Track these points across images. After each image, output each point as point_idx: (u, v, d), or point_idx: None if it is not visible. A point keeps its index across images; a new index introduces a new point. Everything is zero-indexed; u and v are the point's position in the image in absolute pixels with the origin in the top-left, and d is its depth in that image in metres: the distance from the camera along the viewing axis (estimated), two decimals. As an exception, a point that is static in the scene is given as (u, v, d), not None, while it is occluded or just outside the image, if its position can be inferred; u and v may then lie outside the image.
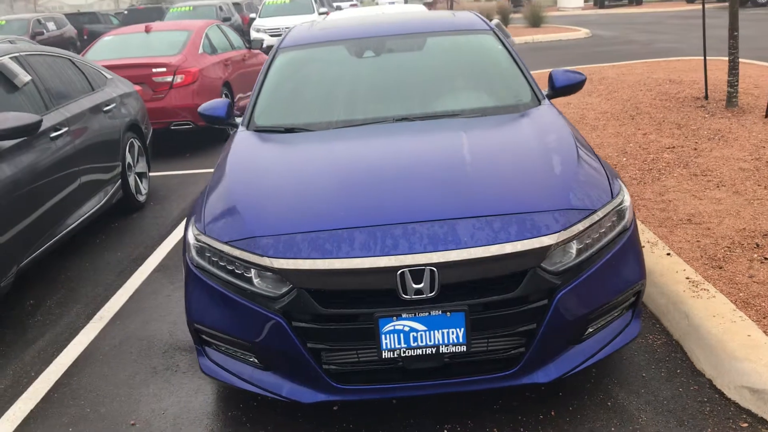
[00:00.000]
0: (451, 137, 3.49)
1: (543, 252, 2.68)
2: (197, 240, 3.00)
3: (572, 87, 4.14)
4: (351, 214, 2.83)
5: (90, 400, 3.41)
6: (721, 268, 3.84)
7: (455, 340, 2.68)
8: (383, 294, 2.67)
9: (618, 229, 2.91)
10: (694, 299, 3.49)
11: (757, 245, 4.07)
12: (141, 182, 6.70)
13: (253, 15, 21.86)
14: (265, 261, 2.73)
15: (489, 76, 4.20)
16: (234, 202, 3.05)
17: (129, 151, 6.39)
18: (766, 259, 3.89)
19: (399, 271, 2.63)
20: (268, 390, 2.87)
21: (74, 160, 5.22)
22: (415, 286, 2.63)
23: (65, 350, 3.94)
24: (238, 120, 4.20)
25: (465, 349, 2.69)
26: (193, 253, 3.02)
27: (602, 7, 35.02)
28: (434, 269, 2.62)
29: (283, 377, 2.85)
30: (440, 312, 2.65)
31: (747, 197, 4.87)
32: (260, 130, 3.92)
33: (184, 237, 3.17)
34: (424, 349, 2.69)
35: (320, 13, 21.15)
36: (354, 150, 3.46)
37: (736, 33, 7.55)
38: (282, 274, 2.71)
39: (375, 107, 3.95)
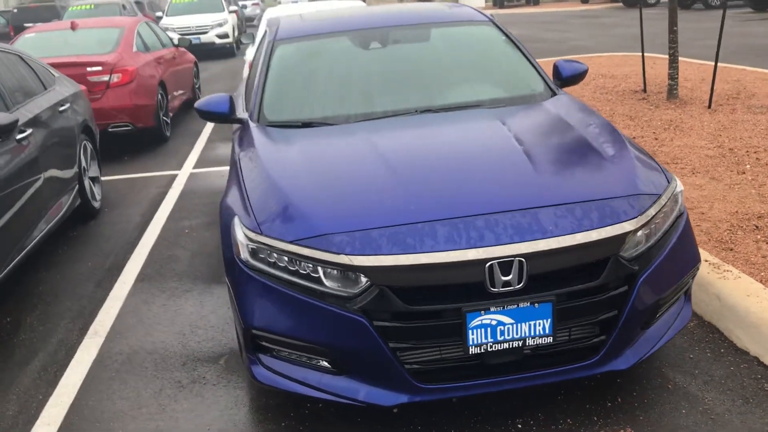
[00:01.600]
0: (490, 127, 3.43)
1: (624, 238, 2.67)
2: (252, 241, 2.81)
3: (577, 77, 4.17)
4: (423, 207, 2.72)
5: (119, 421, 3.14)
6: (732, 250, 3.97)
7: (542, 332, 2.63)
8: (469, 288, 2.58)
9: (675, 213, 2.94)
10: (722, 280, 3.58)
11: (756, 227, 4.24)
12: (94, 187, 6.28)
13: (159, 14, 21.06)
14: (343, 259, 2.58)
15: (499, 66, 4.18)
16: (289, 200, 2.87)
17: (83, 154, 5.98)
18: (770, 239, 4.05)
19: (488, 264, 2.55)
20: (342, 395, 2.72)
21: (39, 164, 4.83)
22: (503, 278, 2.56)
23: (68, 369, 3.62)
24: (242, 116, 3.99)
25: (551, 341, 2.64)
26: (247, 255, 2.82)
27: (501, 7, 35.95)
28: (522, 260, 2.56)
29: (359, 380, 2.70)
30: (528, 304, 2.58)
31: (726, 183, 5.08)
32: (274, 125, 3.73)
33: (231, 238, 2.95)
34: (510, 343, 2.62)
35: (230, 12, 20.64)
36: (396, 142, 3.34)
37: (675, 28, 7.88)
38: (362, 272, 2.57)
39: (391, 99, 3.84)
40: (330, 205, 2.81)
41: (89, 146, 6.22)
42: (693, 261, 2.97)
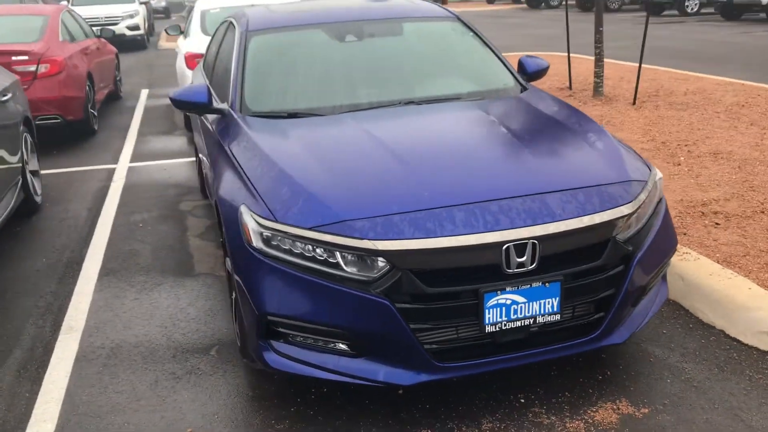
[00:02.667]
0: (479, 118, 3.58)
1: (622, 221, 2.88)
2: (266, 228, 2.84)
3: (541, 72, 4.39)
4: (437, 193, 2.83)
5: (120, 414, 3.09)
6: (685, 234, 4.28)
7: (550, 310, 2.79)
8: (486, 269, 2.72)
9: (656, 198, 3.18)
10: (683, 262, 3.88)
11: (702, 213, 4.59)
12: (35, 181, 6.04)
13: (64, 1, 20.17)
14: (366, 244, 2.66)
15: (470, 60, 4.34)
16: (302, 188, 2.91)
17: (24, 147, 5.74)
18: (717, 224, 4.40)
19: (505, 246, 2.69)
20: (361, 377, 2.80)
21: (-9, 157, 4.63)
22: (518, 259, 2.71)
23: (50, 366, 3.51)
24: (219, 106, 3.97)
25: (559, 318, 2.82)
26: (260, 242, 2.85)
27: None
28: (536, 242, 2.72)
29: (377, 362, 2.79)
30: (540, 283, 2.75)
31: (665, 173, 5.44)
32: (258, 116, 3.75)
33: (240, 226, 2.96)
34: (522, 321, 2.78)
35: (142, 2, 20.03)
36: (394, 131, 3.43)
37: (601, 29, 8.31)
38: (385, 256, 2.66)
39: (372, 91, 3.92)
40: (345, 192, 2.87)
41: (29, 138, 5.97)
42: (673, 243, 3.22)
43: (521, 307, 2.76)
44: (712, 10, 21.23)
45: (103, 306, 4.15)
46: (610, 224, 2.85)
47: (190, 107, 3.99)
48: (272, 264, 2.82)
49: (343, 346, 2.82)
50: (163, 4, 34.19)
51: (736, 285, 3.59)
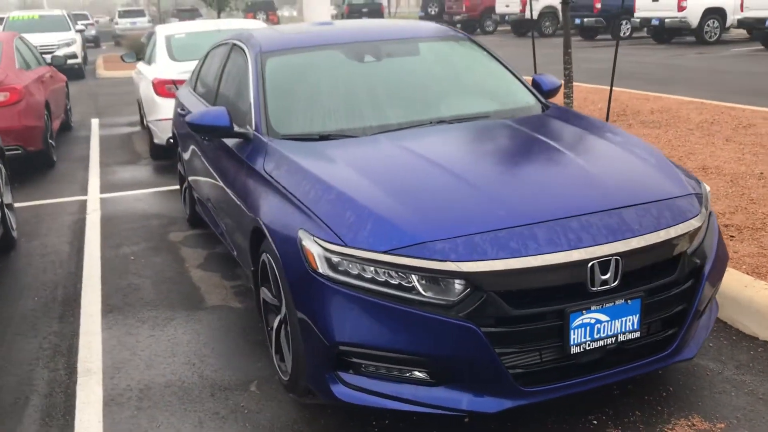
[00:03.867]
0: (521, 135, 3.53)
1: (695, 234, 2.86)
2: (334, 253, 2.70)
3: (554, 91, 4.38)
4: (512, 211, 2.75)
5: (172, 460, 2.87)
6: (705, 247, 4.32)
7: (631, 327, 2.74)
8: (570, 288, 2.65)
9: (708, 211, 3.19)
10: (714, 275, 3.90)
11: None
12: (10, 215, 5.68)
13: (-5, 31, 19.38)
14: (449, 266, 2.55)
15: (488, 79, 4.30)
16: (367, 210, 2.78)
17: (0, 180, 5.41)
18: (732, 237, 4.46)
19: (590, 264, 2.62)
20: (442, 406, 2.67)
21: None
22: (602, 277, 2.65)
23: (78, 412, 3.25)
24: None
25: (638, 335, 2.76)
26: (327, 268, 2.71)
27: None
28: (618, 258, 2.66)
29: (459, 390, 2.66)
30: (623, 301, 2.69)
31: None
32: (289, 139, 3.60)
33: (302, 252, 2.80)
34: (605, 340, 2.71)
35: (77, 30, 19.44)
36: (442, 150, 3.35)
37: (569, 50, 8.46)
38: (468, 278, 2.55)
39: (398, 111, 3.83)
40: (415, 214, 2.76)
41: (3, 170, 5.62)
42: (727, 255, 3.23)
43: (604, 326, 2.69)
44: (643, 33, 22.05)
45: (116, 345, 3.88)
46: (683, 238, 2.83)
47: (209, 131, 3.82)
48: (343, 290, 2.68)
49: (420, 375, 2.69)
50: (93, 33, 33.34)
51: (774, 295, 3.62)
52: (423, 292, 2.60)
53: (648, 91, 10.63)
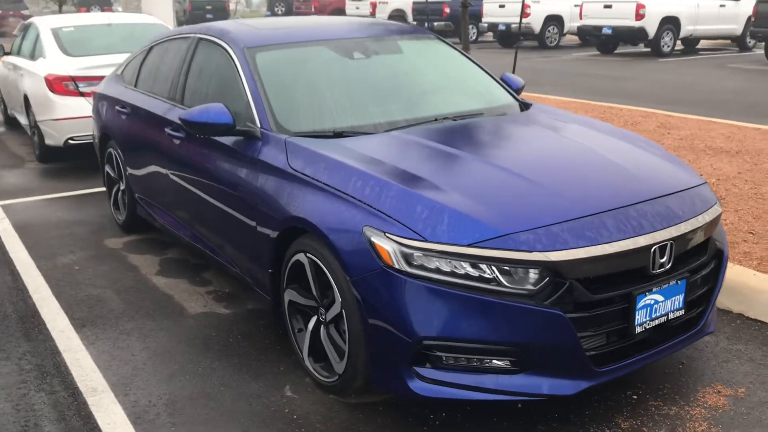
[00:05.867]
0: (537, 131, 3.69)
1: (718, 219, 3.16)
2: (414, 249, 2.70)
3: (521, 89, 4.61)
4: (574, 202, 2.89)
5: (242, 473, 2.73)
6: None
7: (678, 306, 2.98)
8: (634, 272, 2.83)
9: None
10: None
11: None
12: None
13: None
14: (537, 256, 2.65)
15: (469, 77, 4.42)
16: (438, 205, 2.80)
17: None
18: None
19: (653, 248, 2.82)
20: (524, 393, 2.76)
21: None
22: (660, 260, 2.86)
23: (107, 433, 3.00)
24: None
25: (683, 314, 3.01)
26: (403, 263, 2.71)
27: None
28: (673, 242, 2.89)
29: (539, 375, 2.76)
30: (675, 281, 2.92)
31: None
32: (301, 136, 3.52)
33: (374, 248, 2.77)
34: (659, 319, 2.93)
35: None
36: (475, 146, 3.41)
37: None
38: (554, 267, 2.66)
39: (401, 109, 3.86)
40: (487, 207, 2.82)
41: None
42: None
43: (660, 306, 2.91)
44: (490, 38, 23.25)
45: (111, 360, 3.60)
46: (713, 222, 3.11)
47: (208, 129, 3.63)
48: (426, 285, 2.69)
49: (500, 363, 2.76)
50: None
51: (742, 273, 4.05)
52: (505, 283, 2.68)
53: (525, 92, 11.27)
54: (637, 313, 2.83)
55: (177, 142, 4.27)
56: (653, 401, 3.14)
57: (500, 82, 4.46)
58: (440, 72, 4.39)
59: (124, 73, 5.46)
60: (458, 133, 3.63)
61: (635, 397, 3.18)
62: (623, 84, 12.78)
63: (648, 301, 2.85)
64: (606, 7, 17.77)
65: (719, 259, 3.20)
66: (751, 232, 4.65)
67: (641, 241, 2.80)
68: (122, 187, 5.37)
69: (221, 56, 4.11)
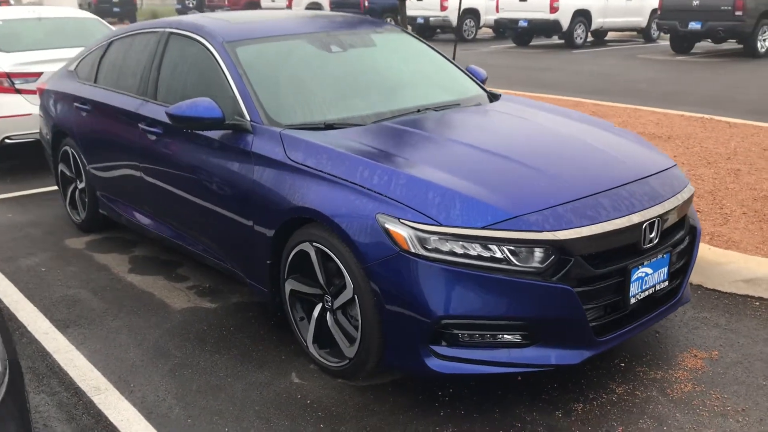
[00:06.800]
0: (518, 120, 3.87)
1: (692, 197, 3.43)
2: (429, 233, 2.84)
3: (485, 81, 4.81)
4: (573, 184, 3.09)
5: (271, 458, 2.80)
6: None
7: (662, 278, 3.24)
8: (628, 248, 3.06)
9: None
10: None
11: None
12: None
13: None
14: (546, 235, 2.83)
15: (440, 69, 4.57)
16: (447, 190, 2.94)
17: None
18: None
19: (644, 225, 3.06)
20: (534, 364, 2.94)
21: None
22: (649, 236, 3.10)
23: (123, 430, 2.99)
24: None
25: (667, 285, 3.27)
26: (419, 247, 2.84)
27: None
28: (659, 219, 3.13)
29: (548, 347, 2.94)
30: (661, 255, 3.17)
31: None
32: (293, 128, 3.58)
33: (389, 234, 2.89)
34: (648, 290, 3.17)
35: None
36: (469, 136, 3.55)
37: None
38: (562, 245, 2.85)
39: (384, 101, 3.97)
40: (494, 192, 2.97)
41: None
42: (691, 215, 3.87)
43: (649, 278, 3.15)
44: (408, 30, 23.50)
45: (105, 358, 3.57)
46: (688, 201, 3.38)
47: (197, 124, 3.64)
48: (442, 267, 2.83)
49: (510, 338, 2.93)
50: None
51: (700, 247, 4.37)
52: (515, 262, 2.85)
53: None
54: (631, 285, 3.05)
55: (152, 137, 4.23)
56: (639, 367, 3.39)
57: (468, 73, 4.63)
58: (413, 64, 4.52)
59: (78, 68, 5.32)
60: (445, 123, 3.77)
61: (623, 364, 3.42)
62: (545, 75, 13.28)
63: (640, 274, 3.09)
64: (522, 0, 18.33)
65: (693, 235, 3.48)
66: (698, 211, 5.01)
67: (634, 218, 3.03)
68: (80, 185, 5.25)
69: (198, 51, 4.11)
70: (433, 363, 2.92)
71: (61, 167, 5.48)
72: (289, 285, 3.44)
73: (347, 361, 3.21)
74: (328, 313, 3.29)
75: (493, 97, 4.40)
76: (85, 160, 5.06)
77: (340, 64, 4.18)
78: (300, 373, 3.40)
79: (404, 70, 4.43)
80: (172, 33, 4.39)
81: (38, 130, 6.10)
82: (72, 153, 5.24)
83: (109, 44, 5.03)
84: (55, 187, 5.81)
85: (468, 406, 3.11)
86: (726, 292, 4.15)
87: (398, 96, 4.08)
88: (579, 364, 3.00)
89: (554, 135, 3.69)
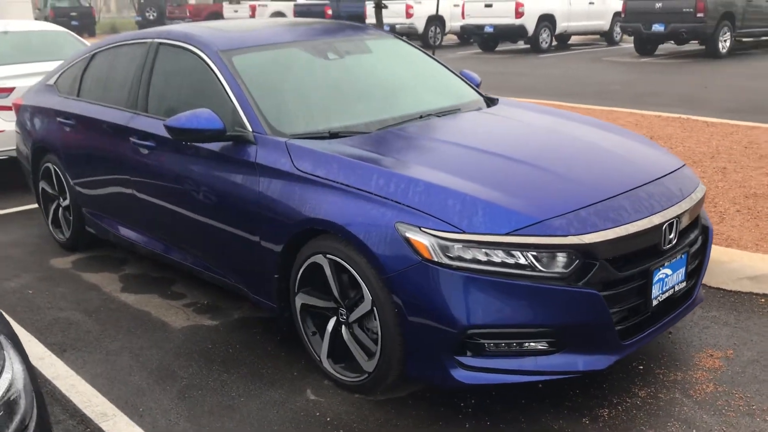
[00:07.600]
0: (523, 125, 3.83)
1: (704, 197, 3.42)
2: (453, 241, 2.77)
3: (479, 85, 4.77)
4: (590, 187, 3.05)
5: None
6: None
7: (681, 279, 3.22)
8: (649, 249, 3.03)
9: None
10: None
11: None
12: None
13: None
14: (572, 240, 2.78)
15: (437, 74, 4.51)
16: (468, 197, 2.87)
17: None
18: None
19: (664, 226, 3.03)
20: (562, 371, 2.88)
21: None
22: (669, 236, 3.07)
23: (137, 457, 2.86)
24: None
25: (685, 285, 3.24)
26: (441, 256, 2.77)
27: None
28: (677, 219, 3.11)
29: (574, 353, 2.89)
30: (680, 256, 3.15)
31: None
32: (298, 137, 3.48)
33: (409, 244, 2.81)
34: (668, 292, 3.14)
35: None
36: (480, 141, 3.49)
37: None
38: (588, 249, 2.80)
39: (385, 108, 3.89)
40: (515, 197, 2.91)
41: None
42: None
43: (669, 279, 3.12)
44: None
45: (109, 382, 3.42)
46: (702, 200, 3.37)
47: (198, 136, 3.52)
48: (467, 275, 2.76)
49: (536, 345, 2.87)
50: None
51: (700, 246, 4.38)
52: (540, 267, 2.79)
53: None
54: (653, 287, 3.02)
55: (144, 151, 4.09)
56: (658, 369, 3.36)
57: (463, 78, 4.58)
58: (410, 70, 4.46)
59: (58, 83, 5.14)
60: (452, 129, 3.72)
61: (641, 367, 3.39)
62: (517, 79, 13.36)
63: (661, 276, 3.06)
64: (487, 6, 18.45)
65: (706, 235, 3.46)
66: (693, 210, 5.02)
67: (655, 219, 3.00)
68: (64, 203, 5.07)
69: (192, 61, 3.99)
70: (459, 374, 2.85)
71: (42, 185, 5.30)
72: (300, 299, 3.34)
73: (366, 375, 3.12)
74: (342, 326, 3.20)
75: (491, 102, 4.36)
76: (69, 177, 4.89)
77: (338, 72, 4.10)
78: (315, 389, 3.30)
79: (402, 76, 4.36)
80: (161, 43, 4.27)
81: (14, 147, 5.90)
82: (54, 169, 5.06)
83: (92, 57, 4.88)
84: (35, 206, 5.62)
85: (493, 416, 3.04)
86: (730, 290, 4.15)
87: (399, 102, 4.01)
88: (603, 370, 2.96)
89: (563, 137, 3.65)
